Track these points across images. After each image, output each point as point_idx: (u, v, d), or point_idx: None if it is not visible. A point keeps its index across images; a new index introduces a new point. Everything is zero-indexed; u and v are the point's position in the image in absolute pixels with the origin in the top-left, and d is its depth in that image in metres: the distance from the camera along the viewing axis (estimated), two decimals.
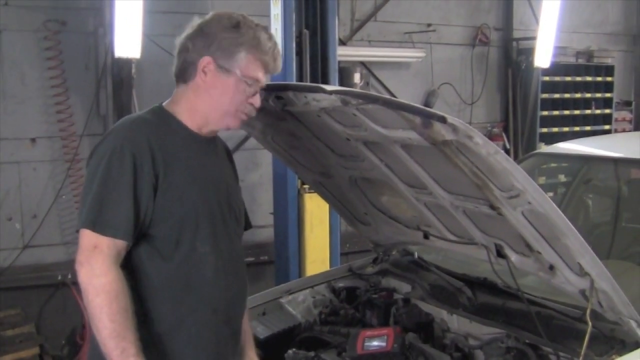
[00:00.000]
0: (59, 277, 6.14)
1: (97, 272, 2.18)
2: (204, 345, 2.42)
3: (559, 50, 9.16)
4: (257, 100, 2.49)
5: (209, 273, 2.42)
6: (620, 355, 2.55)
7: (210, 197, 2.45)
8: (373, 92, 3.53)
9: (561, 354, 2.69)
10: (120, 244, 2.24)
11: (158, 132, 2.38)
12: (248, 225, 2.79)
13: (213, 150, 2.57)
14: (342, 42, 7.68)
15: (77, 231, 2.27)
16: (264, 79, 2.50)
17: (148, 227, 2.32)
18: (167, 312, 2.36)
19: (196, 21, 2.46)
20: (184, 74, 2.46)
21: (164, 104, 2.51)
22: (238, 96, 2.45)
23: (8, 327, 5.77)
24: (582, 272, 2.53)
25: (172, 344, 2.37)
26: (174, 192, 2.34)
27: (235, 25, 2.41)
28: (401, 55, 8.41)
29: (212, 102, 2.44)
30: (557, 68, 9.18)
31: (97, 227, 2.22)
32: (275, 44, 2.49)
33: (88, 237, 2.23)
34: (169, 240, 2.34)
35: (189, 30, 2.46)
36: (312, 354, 3.05)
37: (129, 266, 2.31)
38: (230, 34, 2.41)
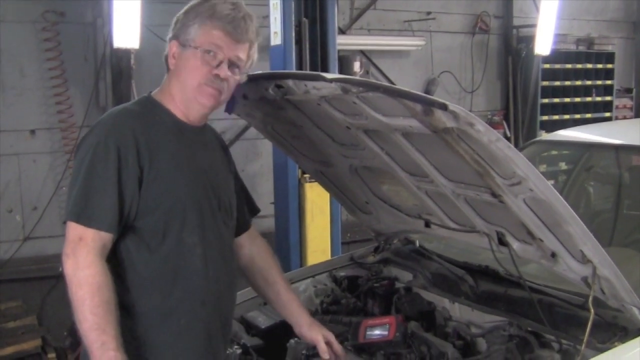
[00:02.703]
0: (60, 269, 6.12)
1: (82, 265, 2.20)
2: (193, 336, 2.41)
3: (559, 37, 9.16)
4: (222, 71, 2.41)
5: (197, 264, 2.40)
6: (623, 342, 2.54)
7: (197, 188, 2.43)
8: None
9: (563, 341, 2.68)
10: (105, 236, 2.24)
11: (144, 123, 2.37)
12: (255, 210, 2.85)
13: (202, 140, 2.54)
14: (342, 31, 7.67)
15: (64, 222, 2.28)
16: (229, 47, 2.41)
17: (134, 219, 2.31)
18: (156, 304, 2.35)
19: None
20: (166, 62, 2.49)
21: (152, 93, 2.51)
22: (200, 69, 2.40)
23: (10, 319, 5.78)
24: (584, 260, 2.52)
25: (162, 335, 2.36)
26: (160, 184, 2.32)
27: (195, 4, 2.43)
28: (401, 44, 8.41)
29: (179, 83, 2.43)
30: (557, 55, 9.17)
31: (82, 219, 2.23)
32: (237, 10, 2.42)
33: (74, 229, 2.23)
34: (156, 231, 2.33)
35: None
36: None
37: (116, 258, 2.32)
38: (189, 13, 2.43)
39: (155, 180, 2.31)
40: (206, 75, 2.40)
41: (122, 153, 2.26)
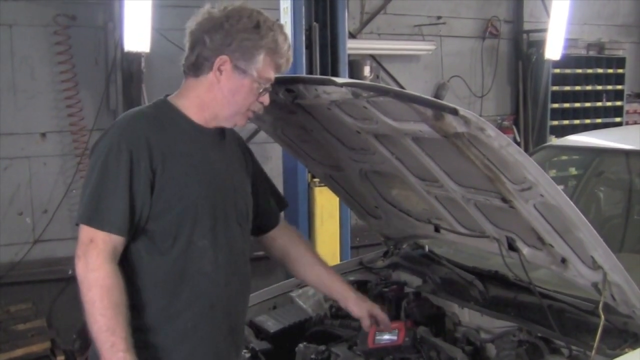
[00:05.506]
0: (70, 272, 6.05)
1: (92, 266, 2.23)
2: (200, 339, 2.42)
3: (570, 42, 9.11)
4: (266, 99, 2.51)
5: (207, 267, 2.42)
6: (634, 348, 2.53)
7: (212, 191, 2.44)
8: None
9: (574, 347, 2.67)
10: (116, 239, 2.28)
11: (159, 127, 2.39)
12: (283, 204, 2.92)
13: (219, 144, 2.55)
14: (352, 35, 7.66)
15: (77, 225, 2.32)
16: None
17: (146, 222, 2.34)
18: (164, 305, 2.37)
19: (211, 12, 2.43)
20: (196, 69, 2.45)
21: (169, 97, 2.51)
22: (251, 96, 2.46)
23: (19, 322, 5.79)
24: (595, 265, 2.51)
25: (168, 337, 2.37)
26: (173, 187, 2.35)
27: (256, 25, 2.40)
28: (411, 48, 8.40)
29: (224, 101, 2.45)
30: (567, 60, 9.14)
31: (93, 222, 2.27)
32: (289, 45, 2.50)
33: (85, 232, 2.27)
34: (167, 234, 2.36)
35: (203, 21, 2.43)
36: (323, 347, 3.04)
37: (128, 260, 2.34)
38: (251, 34, 2.40)
39: (167, 183, 2.33)
40: (254, 103, 2.49)
41: (135, 157, 2.29)
